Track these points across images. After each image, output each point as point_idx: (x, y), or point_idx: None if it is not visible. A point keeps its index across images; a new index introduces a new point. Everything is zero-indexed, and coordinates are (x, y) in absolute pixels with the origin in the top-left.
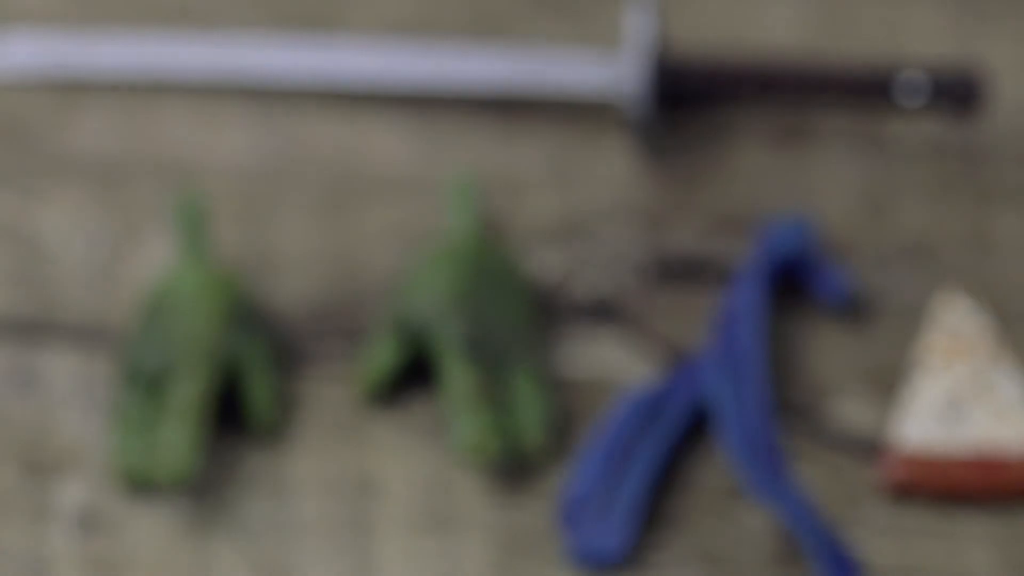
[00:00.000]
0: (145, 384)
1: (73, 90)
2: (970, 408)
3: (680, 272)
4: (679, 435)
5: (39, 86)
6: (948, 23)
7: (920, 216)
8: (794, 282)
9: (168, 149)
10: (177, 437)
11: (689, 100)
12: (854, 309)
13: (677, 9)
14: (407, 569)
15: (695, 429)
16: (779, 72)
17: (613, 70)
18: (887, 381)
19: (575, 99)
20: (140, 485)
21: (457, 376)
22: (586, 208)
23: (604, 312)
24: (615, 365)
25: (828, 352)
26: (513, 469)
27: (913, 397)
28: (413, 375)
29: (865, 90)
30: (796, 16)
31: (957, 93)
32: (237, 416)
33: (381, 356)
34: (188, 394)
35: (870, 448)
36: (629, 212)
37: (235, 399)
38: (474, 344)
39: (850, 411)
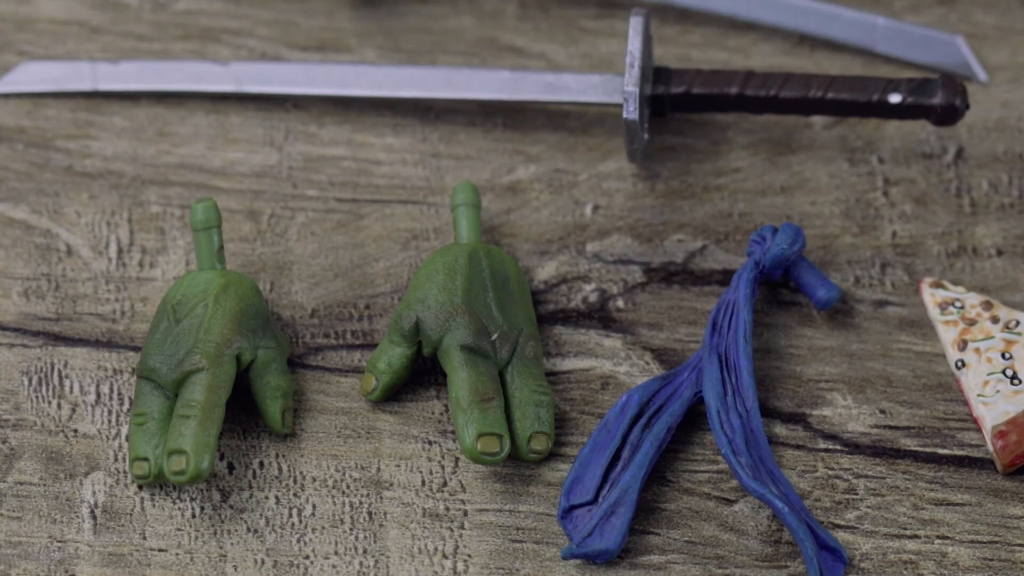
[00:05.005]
0: (162, 385)
1: (93, 104)
2: (1021, 370)
3: (676, 277)
4: (676, 434)
5: (60, 101)
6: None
7: (906, 222)
8: (784, 286)
9: (184, 159)
10: (193, 436)
11: (680, 111)
12: (842, 313)
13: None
14: (413, 565)
15: (692, 427)
16: (766, 83)
17: (610, 82)
18: (872, 381)
19: (575, 110)
20: (158, 482)
21: (461, 378)
22: (586, 214)
23: (603, 315)
24: (614, 367)
25: (816, 353)
26: (514, 468)
27: (971, 388)
28: (420, 377)
29: (851, 99)
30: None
31: (940, 100)
32: (250, 415)
33: (389, 358)
34: (203, 394)
35: (855, 445)
36: (627, 219)
37: (249, 399)
38: (477, 347)
39: (838, 410)
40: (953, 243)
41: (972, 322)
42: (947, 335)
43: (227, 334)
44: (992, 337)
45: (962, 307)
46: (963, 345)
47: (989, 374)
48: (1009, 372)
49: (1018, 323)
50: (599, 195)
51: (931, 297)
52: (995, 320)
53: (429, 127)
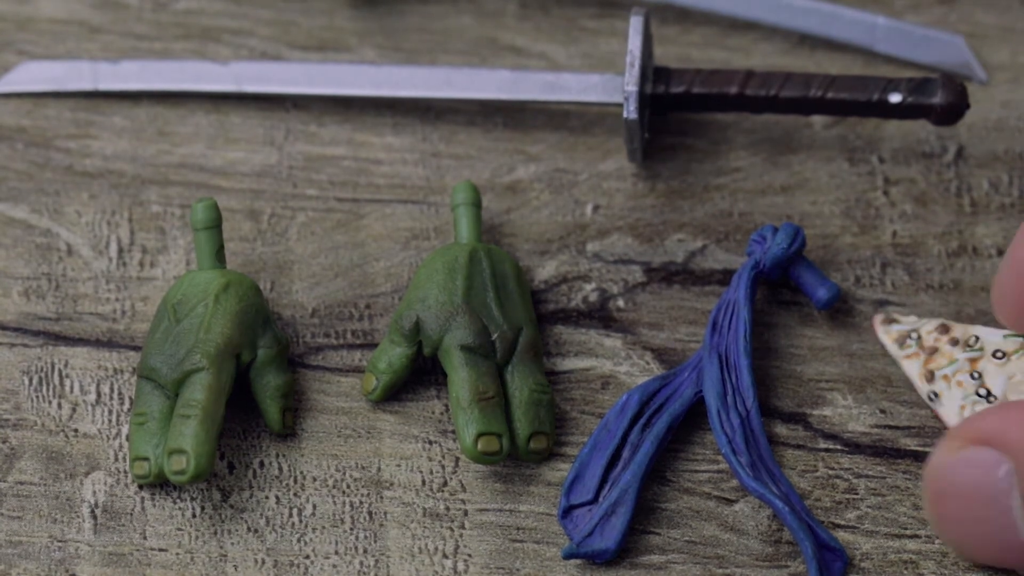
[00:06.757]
0: (163, 384)
1: (93, 104)
2: (993, 385)
3: (677, 277)
4: (676, 434)
5: (60, 100)
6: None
7: (906, 222)
8: (785, 286)
9: (185, 159)
10: (193, 435)
11: (680, 110)
12: (842, 312)
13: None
14: (413, 565)
15: (692, 427)
16: (766, 83)
17: (610, 82)
18: (873, 381)
19: (575, 110)
20: (158, 482)
21: (461, 378)
22: (586, 214)
23: (603, 315)
24: (614, 367)
25: (817, 353)
26: (514, 468)
27: (950, 418)
28: (420, 377)
29: (851, 99)
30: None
31: (940, 100)
32: (250, 415)
33: (389, 358)
34: (204, 394)
35: (856, 445)
36: (628, 218)
37: (249, 399)
38: (477, 347)
39: (838, 409)
40: (953, 243)
41: (933, 350)
42: (912, 370)
43: (228, 334)
44: (955, 361)
45: (919, 337)
46: (930, 376)
47: (964, 398)
48: (983, 391)
49: (977, 338)
50: (599, 195)
51: (887, 335)
52: (954, 343)
53: (429, 127)
